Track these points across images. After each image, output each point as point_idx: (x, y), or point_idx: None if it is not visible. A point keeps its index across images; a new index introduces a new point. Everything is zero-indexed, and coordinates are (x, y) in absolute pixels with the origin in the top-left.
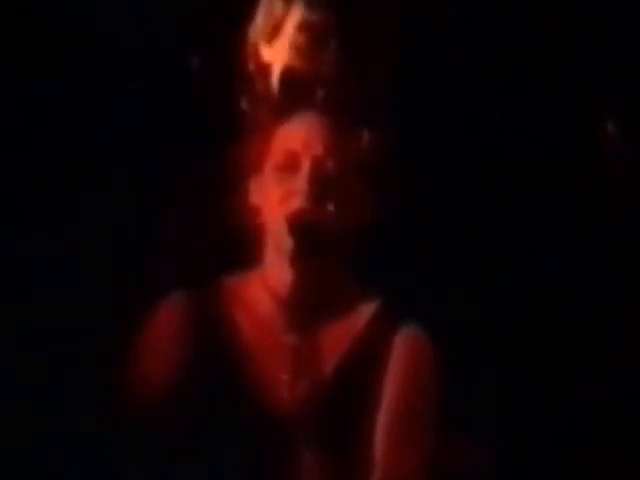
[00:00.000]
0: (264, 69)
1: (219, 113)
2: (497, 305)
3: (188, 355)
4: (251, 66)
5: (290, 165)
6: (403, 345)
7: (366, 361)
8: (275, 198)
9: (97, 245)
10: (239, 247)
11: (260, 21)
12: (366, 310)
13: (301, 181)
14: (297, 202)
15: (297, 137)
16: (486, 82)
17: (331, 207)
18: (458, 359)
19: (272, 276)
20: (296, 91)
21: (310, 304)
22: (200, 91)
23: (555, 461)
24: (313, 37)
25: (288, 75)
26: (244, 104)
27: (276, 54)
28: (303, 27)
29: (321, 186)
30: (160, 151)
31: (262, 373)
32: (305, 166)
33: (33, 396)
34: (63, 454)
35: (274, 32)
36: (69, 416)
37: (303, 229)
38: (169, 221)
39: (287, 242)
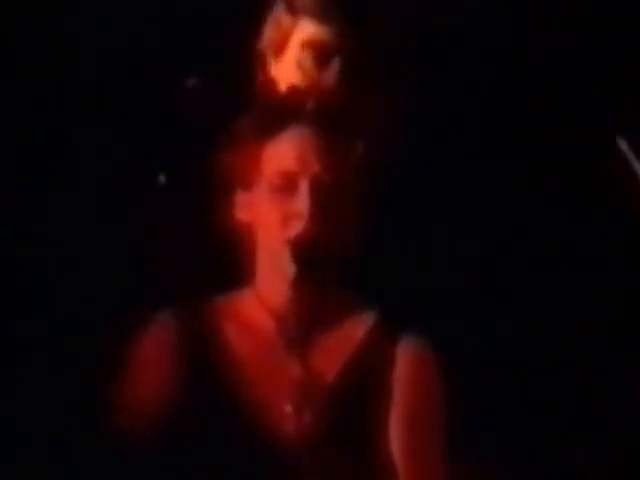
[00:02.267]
0: (269, 84)
1: (208, 125)
2: (498, 313)
3: (182, 377)
4: (257, 80)
5: (287, 187)
6: (405, 356)
7: (367, 375)
8: (273, 220)
9: (78, 263)
10: (226, 264)
11: (268, 35)
12: (365, 322)
13: (301, 203)
14: (298, 226)
15: (291, 156)
16: (494, 98)
17: (332, 225)
18: (460, 369)
19: (268, 295)
20: (292, 103)
21: (310, 321)
22: (192, 102)
23: (560, 471)
24: (317, 54)
25: (292, 91)
26: (239, 117)
27: (281, 70)
28: (308, 43)
29: (321, 207)
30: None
31: (261, 396)
32: (303, 187)
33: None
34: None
35: (281, 47)
36: (59, 439)
37: (306, 253)
38: (154, 237)
39: (288, 266)
